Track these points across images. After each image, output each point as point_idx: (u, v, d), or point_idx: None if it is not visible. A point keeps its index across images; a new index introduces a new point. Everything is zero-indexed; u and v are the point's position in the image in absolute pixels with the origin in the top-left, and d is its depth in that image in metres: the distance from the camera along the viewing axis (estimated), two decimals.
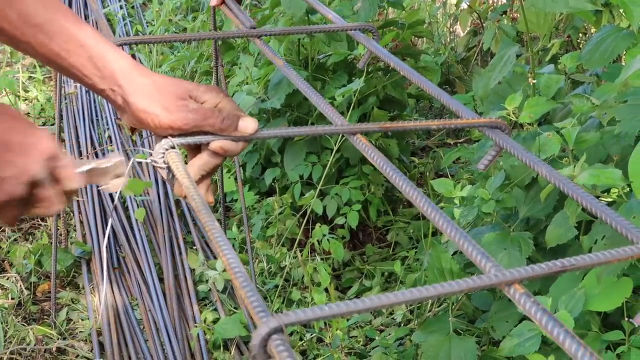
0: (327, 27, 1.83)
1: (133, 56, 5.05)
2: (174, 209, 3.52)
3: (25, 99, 4.80)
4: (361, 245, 3.52)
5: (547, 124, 2.23)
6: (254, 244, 3.30)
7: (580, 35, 3.73)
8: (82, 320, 3.03)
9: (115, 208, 3.52)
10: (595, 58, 2.03)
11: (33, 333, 2.89)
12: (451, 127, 1.19)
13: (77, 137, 4.18)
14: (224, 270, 3.05)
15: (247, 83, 3.51)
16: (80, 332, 2.97)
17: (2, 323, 2.89)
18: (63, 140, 4.15)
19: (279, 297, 3.08)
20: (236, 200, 3.64)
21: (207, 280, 3.09)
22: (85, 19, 5.45)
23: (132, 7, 5.99)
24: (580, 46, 3.63)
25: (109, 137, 4.16)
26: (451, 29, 5.23)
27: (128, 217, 3.50)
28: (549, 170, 1.05)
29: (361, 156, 3.31)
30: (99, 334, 2.92)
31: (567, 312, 1.71)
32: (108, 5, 5.83)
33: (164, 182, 3.61)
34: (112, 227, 3.42)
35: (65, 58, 1.14)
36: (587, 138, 1.88)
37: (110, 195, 3.63)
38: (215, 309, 3.02)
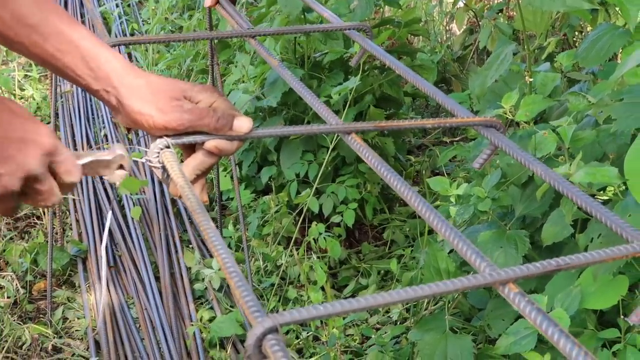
0: (322, 27, 1.83)
1: (129, 55, 5.05)
2: (170, 207, 3.52)
3: (21, 98, 4.79)
4: (357, 244, 3.52)
5: (543, 122, 2.23)
6: (250, 242, 3.30)
7: (577, 33, 3.73)
8: (78, 319, 3.02)
9: (112, 207, 3.52)
10: (592, 56, 2.03)
11: (29, 332, 2.89)
12: (447, 125, 1.19)
13: (73, 136, 4.17)
14: (220, 269, 3.05)
15: (243, 81, 3.51)
16: (76, 330, 2.97)
17: None
18: (59, 139, 4.15)
19: (275, 295, 3.08)
20: (232, 199, 3.63)
21: (203, 279, 3.09)
22: (81, 17, 5.44)
23: (128, 6, 5.98)
24: (577, 44, 3.63)
25: (105, 135, 4.15)
26: (447, 27, 5.23)
27: (124, 216, 3.50)
28: (544, 169, 1.05)
29: (357, 154, 3.31)
30: (95, 332, 2.91)
31: (563, 310, 1.71)
32: (104, 4, 5.83)
33: (160, 181, 3.61)
34: (109, 226, 3.42)
35: (59, 58, 1.14)
36: (583, 136, 1.88)
37: (107, 194, 3.63)
38: (212, 308, 3.02)
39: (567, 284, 1.82)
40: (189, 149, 1.20)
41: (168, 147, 1.11)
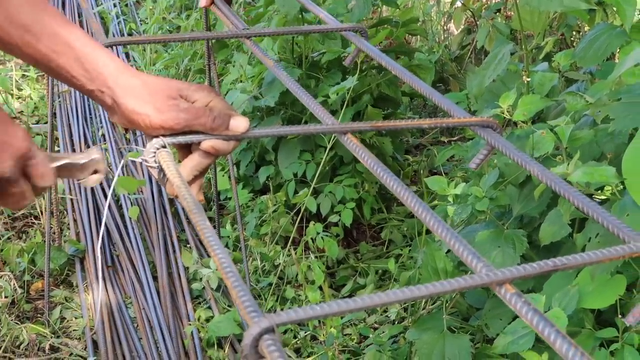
0: (317, 27, 1.83)
1: (127, 55, 5.05)
2: (167, 207, 3.52)
3: (19, 97, 4.79)
4: (355, 243, 3.52)
5: (541, 121, 2.23)
6: (247, 242, 3.29)
7: (574, 33, 3.73)
8: (76, 318, 3.02)
9: (109, 206, 3.52)
10: (589, 56, 2.03)
11: (26, 331, 2.89)
12: (443, 125, 1.19)
13: (71, 136, 4.17)
14: (218, 269, 3.05)
15: (241, 81, 3.51)
16: (73, 330, 2.97)
17: None
18: (57, 139, 4.15)
19: (272, 295, 3.08)
20: (230, 199, 3.63)
21: (201, 279, 3.09)
22: (79, 17, 5.43)
23: (126, 5, 5.98)
24: (574, 44, 3.63)
25: (103, 135, 4.15)
26: (445, 27, 5.23)
27: (122, 216, 3.50)
28: (540, 169, 1.05)
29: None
30: (93, 332, 2.91)
31: (561, 310, 1.71)
32: (102, 4, 5.82)
33: (157, 181, 3.61)
34: (105, 225, 3.42)
35: (54, 59, 1.13)
36: (580, 136, 1.88)
37: (105, 194, 3.63)
38: (209, 307, 3.02)
39: (564, 283, 1.82)
40: (185, 149, 1.19)
41: (164, 146, 1.11)
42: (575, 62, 2.20)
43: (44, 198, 3.48)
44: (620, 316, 1.73)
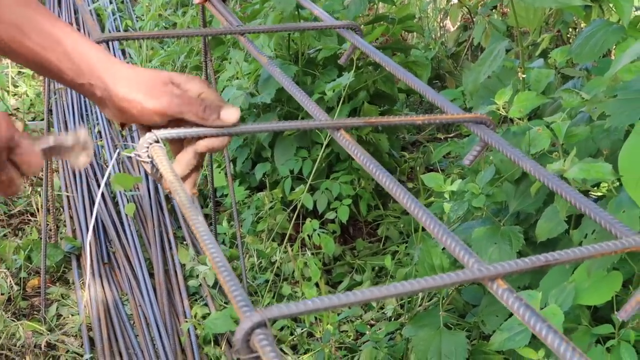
0: (311, 25, 1.83)
1: (123, 52, 5.04)
2: (164, 204, 3.52)
3: (15, 94, 4.78)
4: (352, 240, 3.52)
5: (537, 118, 2.23)
6: (244, 239, 3.29)
7: (570, 29, 3.73)
8: (72, 315, 3.02)
9: (105, 203, 3.51)
10: (585, 52, 2.03)
11: (23, 329, 2.89)
12: (437, 122, 1.18)
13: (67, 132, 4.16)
14: None
15: (237, 78, 3.51)
16: (70, 327, 2.96)
17: None
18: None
19: (269, 292, 3.07)
20: (226, 195, 3.63)
21: (197, 276, 3.09)
22: (75, 14, 5.43)
23: (122, 2, 5.97)
24: (570, 40, 3.63)
25: (99, 132, 4.14)
26: (441, 24, 5.23)
27: (118, 212, 3.49)
28: (534, 166, 1.05)
29: None
30: (89, 329, 2.91)
31: (557, 306, 1.71)
32: (97, 1, 5.81)
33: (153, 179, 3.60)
34: (101, 221, 3.42)
35: (42, 55, 1.12)
36: (577, 132, 1.88)
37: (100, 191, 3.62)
38: (206, 304, 3.02)
39: (561, 280, 1.82)
40: (177, 142, 1.19)
41: (157, 141, 1.10)
42: (571, 59, 2.20)
43: (40, 195, 3.47)
44: (616, 313, 1.73)
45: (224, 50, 3.78)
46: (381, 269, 3.23)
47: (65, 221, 3.52)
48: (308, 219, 3.25)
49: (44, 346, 2.85)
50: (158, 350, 2.81)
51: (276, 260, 3.17)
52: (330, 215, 3.31)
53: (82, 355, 2.82)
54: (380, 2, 3.91)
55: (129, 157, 3.80)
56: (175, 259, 3.21)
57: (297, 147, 3.39)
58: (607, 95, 1.82)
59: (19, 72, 5.00)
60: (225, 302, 3.03)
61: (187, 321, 2.89)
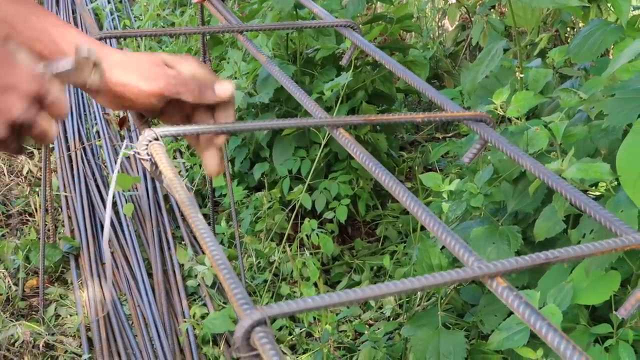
0: (309, 23, 1.83)
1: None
2: (162, 204, 3.52)
3: None
4: (350, 240, 3.52)
5: (535, 118, 2.23)
6: (242, 238, 3.29)
7: (568, 29, 3.73)
8: (71, 315, 3.02)
9: (103, 203, 3.51)
10: (583, 52, 2.03)
11: (21, 329, 2.88)
12: (437, 120, 1.19)
13: (65, 132, 4.16)
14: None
15: (236, 78, 3.50)
16: (68, 327, 2.96)
17: None
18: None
19: (268, 291, 3.07)
20: (225, 195, 3.63)
21: (196, 276, 3.08)
22: (73, 14, 5.43)
23: (120, 2, 5.97)
24: (568, 40, 3.64)
25: (97, 132, 4.14)
26: (440, 24, 5.23)
27: (116, 213, 3.49)
28: (534, 164, 1.05)
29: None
30: (88, 329, 2.91)
31: (556, 306, 1.71)
32: (95, 0, 5.81)
33: (152, 177, 3.60)
34: (100, 222, 3.42)
35: (33, 47, 1.10)
36: (575, 132, 1.88)
37: (99, 191, 3.62)
38: (204, 304, 3.02)
39: (559, 279, 1.82)
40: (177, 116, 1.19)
41: (157, 139, 1.10)
42: (569, 58, 2.21)
43: (38, 195, 3.47)
44: (614, 312, 1.73)
45: (222, 50, 3.78)
46: (380, 269, 3.23)
47: (63, 221, 3.52)
48: (306, 219, 3.25)
49: (43, 346, 2.85)
50: (157, 350, 2.80)
51: (275, 260, 3.16)
52: (328, 215, 3.31)
53: (80, 356, 2.82)
54: (379, 2, 3.91)
55: (127, 158, 3.80)
56: (173, 259, 3.21)
57: (296, 147, 3.39)
58: (605, 95, 1.83)
59: None
60: (223, 302, 3.03)
61: (185, 321, 2.89)
